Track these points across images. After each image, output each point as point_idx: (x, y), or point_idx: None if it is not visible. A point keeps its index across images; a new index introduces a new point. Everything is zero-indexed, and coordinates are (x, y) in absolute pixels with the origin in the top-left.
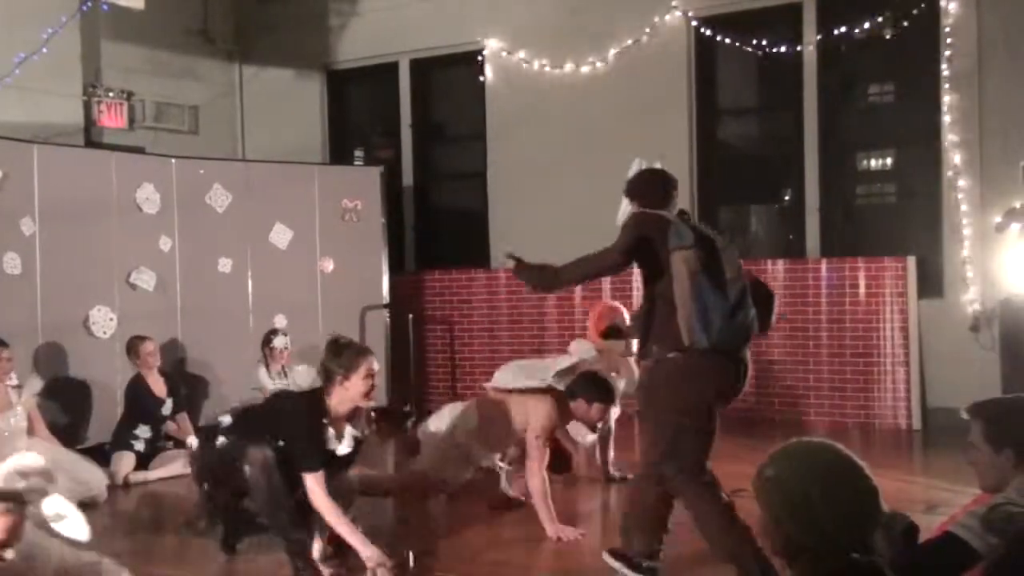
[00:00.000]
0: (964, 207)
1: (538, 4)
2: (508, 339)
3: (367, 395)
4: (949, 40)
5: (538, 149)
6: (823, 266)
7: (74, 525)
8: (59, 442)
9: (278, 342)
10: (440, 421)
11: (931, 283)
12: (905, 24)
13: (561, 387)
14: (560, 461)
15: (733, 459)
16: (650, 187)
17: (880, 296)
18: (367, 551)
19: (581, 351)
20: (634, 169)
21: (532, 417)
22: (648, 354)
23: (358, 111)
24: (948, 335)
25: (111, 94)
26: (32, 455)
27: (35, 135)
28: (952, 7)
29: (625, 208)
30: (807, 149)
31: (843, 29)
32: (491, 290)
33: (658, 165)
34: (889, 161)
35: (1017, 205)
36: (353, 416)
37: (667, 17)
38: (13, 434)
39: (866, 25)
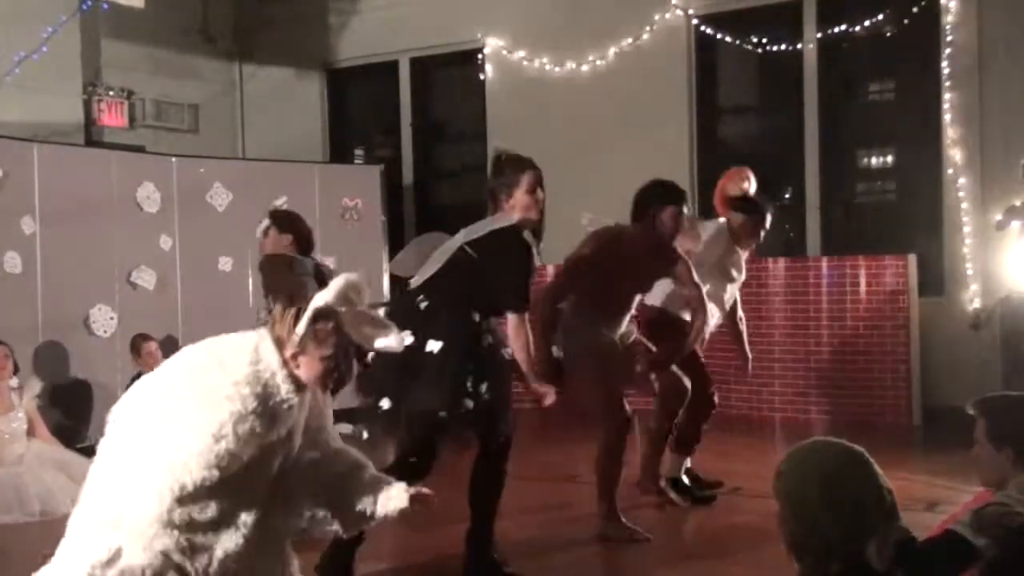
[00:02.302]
0: (964, 205)
1: (538, 2)
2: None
3: (534, 208)
4: (949, 38)
5: (538, 148)
6: (823, 264)
7: None
8: (60, 442)
9: None
10: None
11: (932, 281)
12: (905, 22)
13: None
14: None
15: (733, 458)
16: None
17: (881, 294)
18: (538, 384)
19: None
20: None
21: None
22: None
23: (358, 109)
24: (949, 333)
25: (111, 93)
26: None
27: (35, 134)
28: (952, 5)
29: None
30: (807, 147)
31: (843, 27)
32: None
33: None
34: (890, 159)
35: (1017, 203)
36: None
37: (667, 15)
38: (13, 436)
39: (866, 23)
